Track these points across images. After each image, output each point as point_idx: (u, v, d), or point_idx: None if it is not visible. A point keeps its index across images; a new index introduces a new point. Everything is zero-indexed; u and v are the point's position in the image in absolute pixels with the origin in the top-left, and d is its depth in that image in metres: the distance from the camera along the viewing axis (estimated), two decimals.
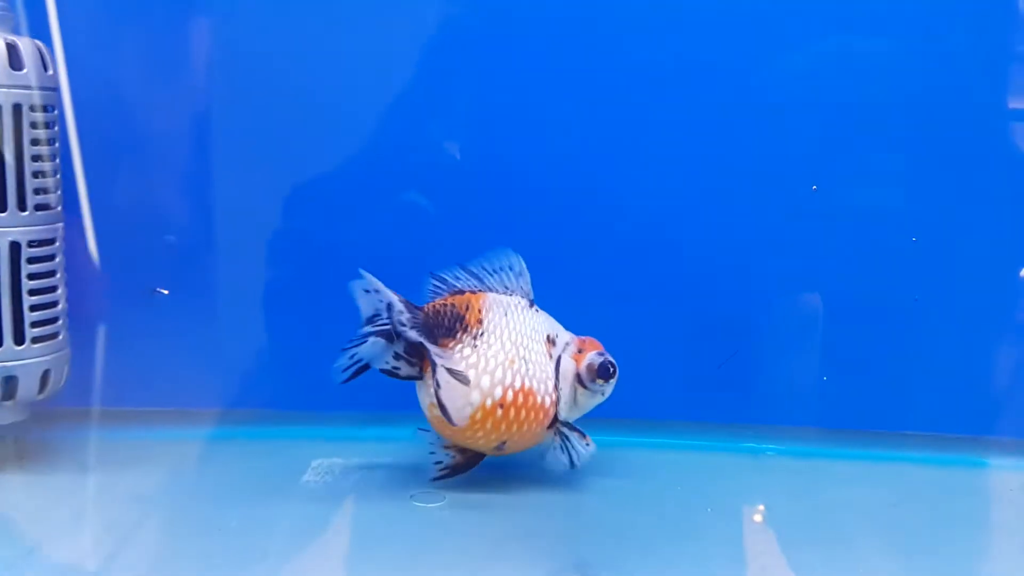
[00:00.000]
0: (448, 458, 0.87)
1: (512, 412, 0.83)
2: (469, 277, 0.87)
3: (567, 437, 0.86)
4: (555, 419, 0.86)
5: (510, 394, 0.83)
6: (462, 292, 0.86)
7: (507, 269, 0.87)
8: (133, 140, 1.00)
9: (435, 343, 0.84)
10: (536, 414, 0.84)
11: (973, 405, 1.01)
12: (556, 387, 0.86)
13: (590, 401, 0.88)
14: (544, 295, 0.89)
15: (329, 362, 1.00)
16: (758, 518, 0.85)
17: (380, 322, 0.84)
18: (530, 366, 0.84)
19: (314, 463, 0.92)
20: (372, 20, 0.99)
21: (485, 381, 0.83)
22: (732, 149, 1.00)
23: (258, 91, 0.99)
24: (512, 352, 0.84)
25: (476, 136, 1.02)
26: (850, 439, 1.02)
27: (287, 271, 1.03)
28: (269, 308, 1.03)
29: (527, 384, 0.84)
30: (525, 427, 0.84)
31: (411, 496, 0.85)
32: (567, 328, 0.89)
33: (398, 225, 1.01)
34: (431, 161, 1.01)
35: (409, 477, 0.89)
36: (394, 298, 0.83)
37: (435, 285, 0.87)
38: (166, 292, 1.01)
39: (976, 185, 0.98)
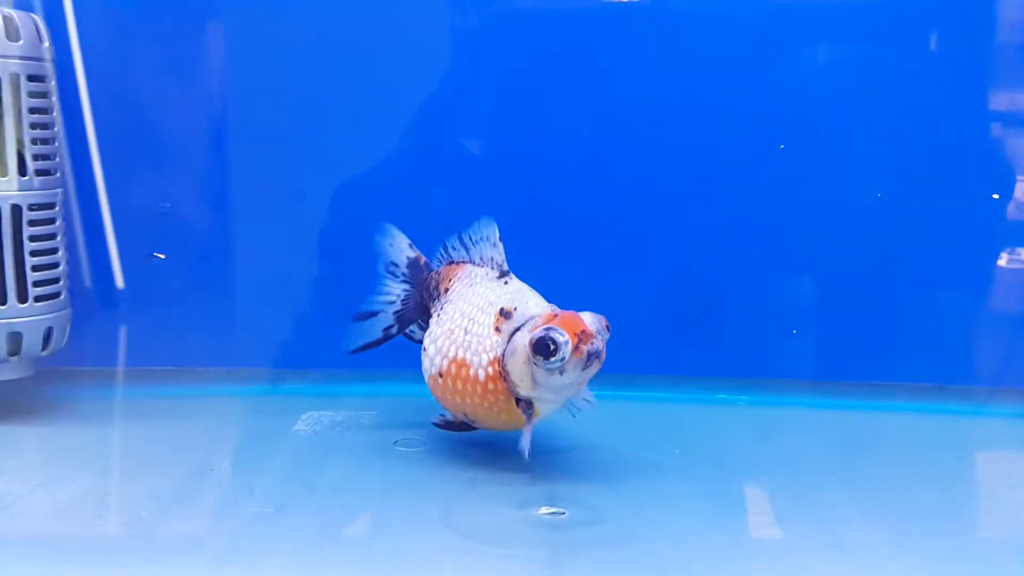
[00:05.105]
0: (450, 414, 0.87)
1: (450, 382, 0.81)
2: (460, 247, 0.88)
3: (528, 418, 0.79)
4: (519, 397, 0.79)
5: (445, 364, 0.81)
6: (453, 262, 0.88)
7: (485, 240, 0.86)
8: (145, 119, 1.05)
9: (427, 307, 0.89)
10: (472, 387, 0.79)
11: (936, 355, 1.05)
12: (501, 362, 0.78)
13: (552, 380, 0.76)
14: (524, 256, 0.92)
15: (326, 323, 1.06)
16: (724, 459, 0.88)
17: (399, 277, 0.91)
18: (469, 337, 0.80)
19: (304, 415, 0.96)
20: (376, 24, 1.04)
21: (432, 350, 0.83)
22: (701, 113, 1.04)
23: (267, 79, 1.04)
24: (456, 322, 0.82)
25: (472, 120, 1.06)
26: (818, 389, 1.06)
27: (281, 235, 1.07)
28: (266, 272, 1.08)
29: (459, 355, 0.80)
30: (468, 400, 0.80)
31: (395, 442, 0.90)
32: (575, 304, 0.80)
33: (394, 202, 1.06)
34: (422, 144, 1.06)
35: (395, 428, 0.93)
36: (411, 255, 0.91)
37: (440, 253, 0.90)
38: (163, 256, 1.06)
39: (939, 146, 1.02)
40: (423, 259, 0.92)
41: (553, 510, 0.75)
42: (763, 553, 0.71)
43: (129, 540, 0.71)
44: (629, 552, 0.69)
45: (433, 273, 0.90)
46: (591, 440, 0.91)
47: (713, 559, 0.69)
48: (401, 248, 0.92)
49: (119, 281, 1.06)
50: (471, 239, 0.87)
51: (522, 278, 0.85)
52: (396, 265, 0.92)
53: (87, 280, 1.06)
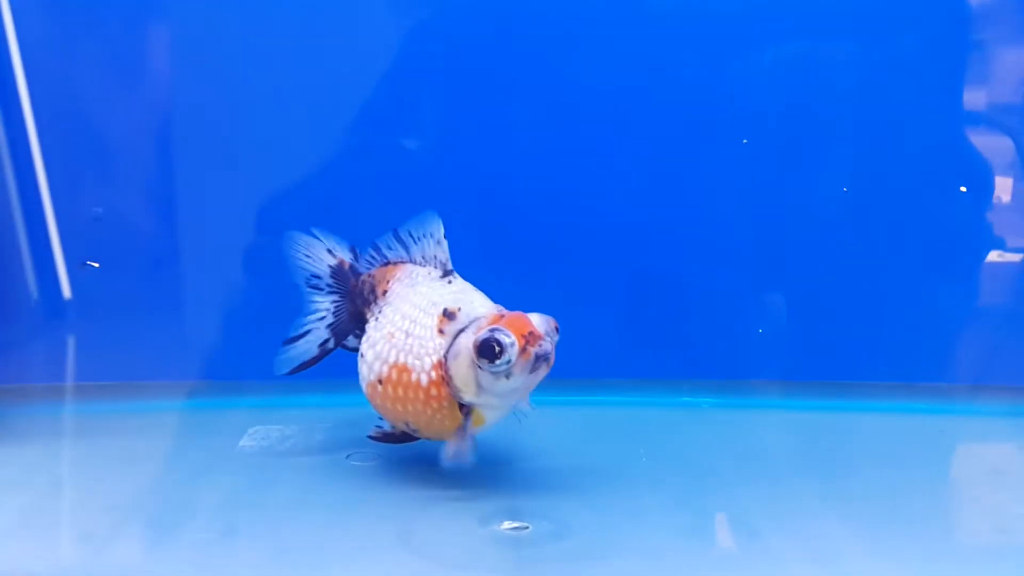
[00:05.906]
0: (388, 424, 0.83)
1: (390, 389, 0.76)
2: (398, 245, 0.83)
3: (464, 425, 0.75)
4: (462, 404, 0.75)
5: (385, 369, 0.77)
6: (390, 262, 0.83)
7: (428, 236, 0.81)
8: (90, 120, 1.00)
9: (361, 312, 0.84)
10: (415, 393, 0.75)
11: (906, 353, 1.04)
12: (444, 366, 0.75)
13: (498, 384, 0.72)
14: (482, 259, 0.89)
15: (275, 333, 1.02)
16: (693, 464, 0.85)
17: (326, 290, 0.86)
18: (410, 340, 0.76)
19: (251, 429, 0.92)
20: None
21: (370, 355, 0.78)
22: (661, 107, 1.01)
23: (215, 80, 0.99)
24: (397, 325, 0.78)
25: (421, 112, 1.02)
26: (785, 390, 1.04)
27: (229, 242, 1.02)
28: (214, 280, 1.03)
29: (401, 359, 0.76)
30: (410, 407, 0.76)
31: (347, 456, 0.85)
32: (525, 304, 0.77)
33: (347, 206, 1.02)
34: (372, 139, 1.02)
35: (348, 441, 0.89)
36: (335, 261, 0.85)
37: (371, 255, 0.85)
38: (96, 265, 1.00)
39: (907, 142, 1.00)
40: (347, 264, 0.86)
41: (516, 525, 0.72)
42: (739, 564, 0.68)
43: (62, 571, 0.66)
44: (598, 568, 0.66)
45: (366, 276, 0.84)
46: (553, 448, 0.88)
47: (688, 573, 0.66)
48: (320, 257, 0.86)
49: (66, 292, 1.01)
50: (412, 236, 0.82)
51: (477, 281, 0.80)
52: (318, 277, 0.86)
53: (32, 292, 1.00)
